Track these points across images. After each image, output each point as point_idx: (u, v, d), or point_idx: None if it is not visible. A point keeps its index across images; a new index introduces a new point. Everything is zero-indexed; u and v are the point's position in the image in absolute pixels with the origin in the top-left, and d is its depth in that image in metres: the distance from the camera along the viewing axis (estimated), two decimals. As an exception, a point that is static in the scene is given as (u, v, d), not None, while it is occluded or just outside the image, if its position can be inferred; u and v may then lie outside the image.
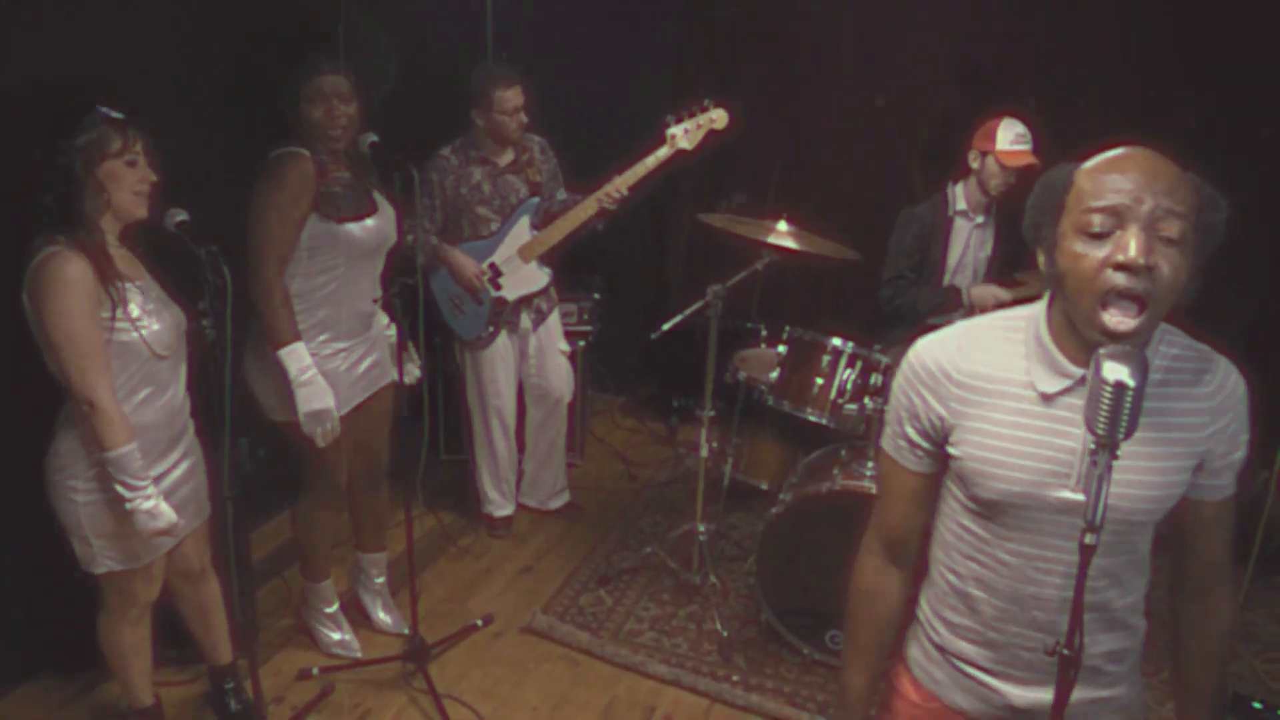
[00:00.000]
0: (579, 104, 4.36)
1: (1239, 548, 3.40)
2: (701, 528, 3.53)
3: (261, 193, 2.67)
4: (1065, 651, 1.27)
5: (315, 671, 3.04)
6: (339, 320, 2.83)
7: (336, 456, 2.92)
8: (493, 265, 3.59)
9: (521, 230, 3.59)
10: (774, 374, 3.48)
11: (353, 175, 2.81)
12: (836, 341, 3.38)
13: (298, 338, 2.72)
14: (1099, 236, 1.26)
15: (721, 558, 3.78)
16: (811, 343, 3.43)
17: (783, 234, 3.31)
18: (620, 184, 3.44)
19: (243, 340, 2.77)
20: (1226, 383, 1.41)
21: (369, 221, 2.81)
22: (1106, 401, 1.17)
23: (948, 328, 1.49)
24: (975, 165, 3.59)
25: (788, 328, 3.53)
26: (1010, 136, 3.47)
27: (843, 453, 3.27)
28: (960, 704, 1.55)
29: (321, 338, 2.82)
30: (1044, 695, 1.42)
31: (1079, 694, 1.45)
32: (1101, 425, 1.18)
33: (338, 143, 2.73)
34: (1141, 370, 1.17)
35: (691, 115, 3.41)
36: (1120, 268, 1.24)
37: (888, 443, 1.55)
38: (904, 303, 3.63)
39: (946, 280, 3.73)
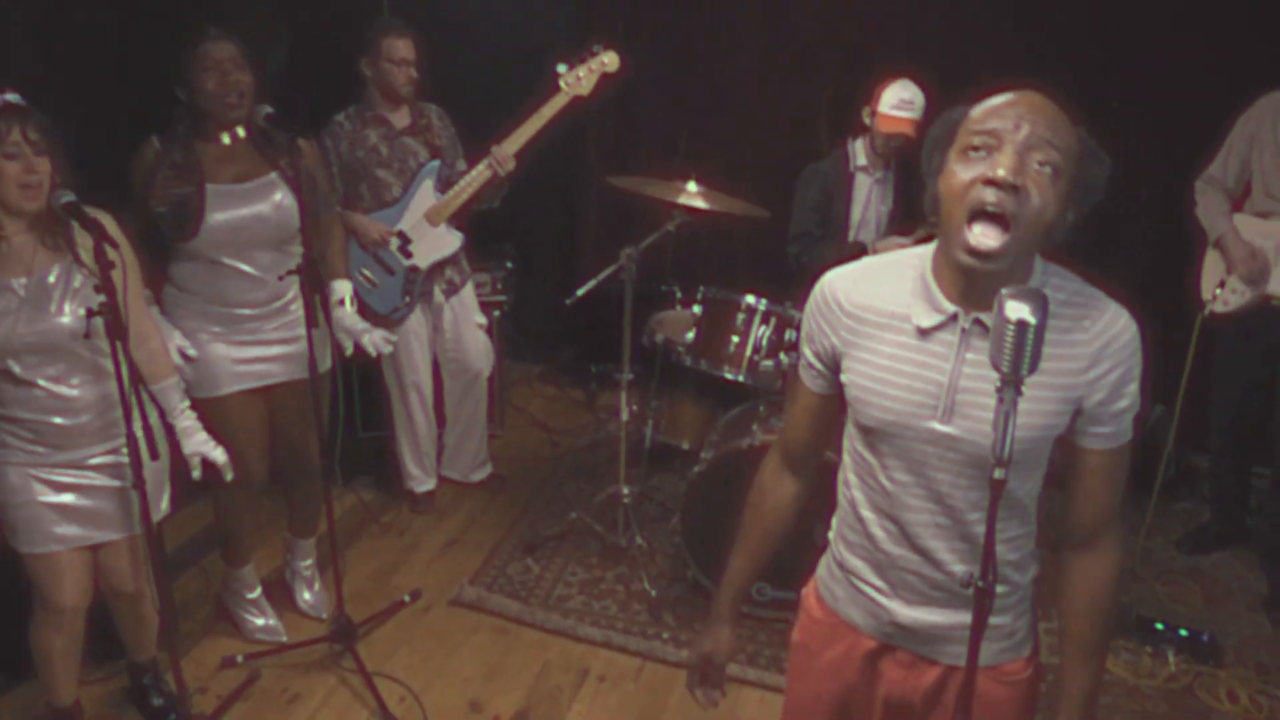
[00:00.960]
0: (482, 73, 4.29)
1: (1142, 476, 3.63)
2: (625, 490, 3.56)
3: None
4: (980, 584, 1.32)
5: (239, 659, 2.98)
6: (232, 310, 2.76)
7: (248, 445, 2.85)
8: (400, 233, 3.51)
9: (426, 194, 3.51)
10: (690, 334, 3.51)
11: (243, 159, 2.71)
12: (750, 299, 3.41)
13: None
14: (976, 158, 1.32)
15: (646, 519, 3.81)
16: (726, 301, 3.46)
17: (692, 194, 3.32)
18: (506, 148, 3.41)
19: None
20: (1112, 329, 1.39)
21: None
22: (1010, 339, 1.20)
23: (857, 261, 1.56)
24: (868, 123, 3.65)
25: (702, 288, 3.55)
26: (894, 100, 3.52)
27: (761, 409, 3.32)
28: (854, 619, 1.63)
29: (214, 329, 2.76)
30: (926, 615, 1.54)
31: (958, 618, 1.53)
32: (1006, 362, 1.21)
33: (235, 112, 2.62)
34: (1042, 308, 1.20)
35: (583, 60, 3.39)
36: (989, 183, 1.29)
37: (800, 361, 1.63)
38: (811, 259, 3.68)
39: (851, 235, 3.80)
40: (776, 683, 2.94)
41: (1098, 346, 1.39)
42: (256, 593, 3.14)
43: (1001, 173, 1.28)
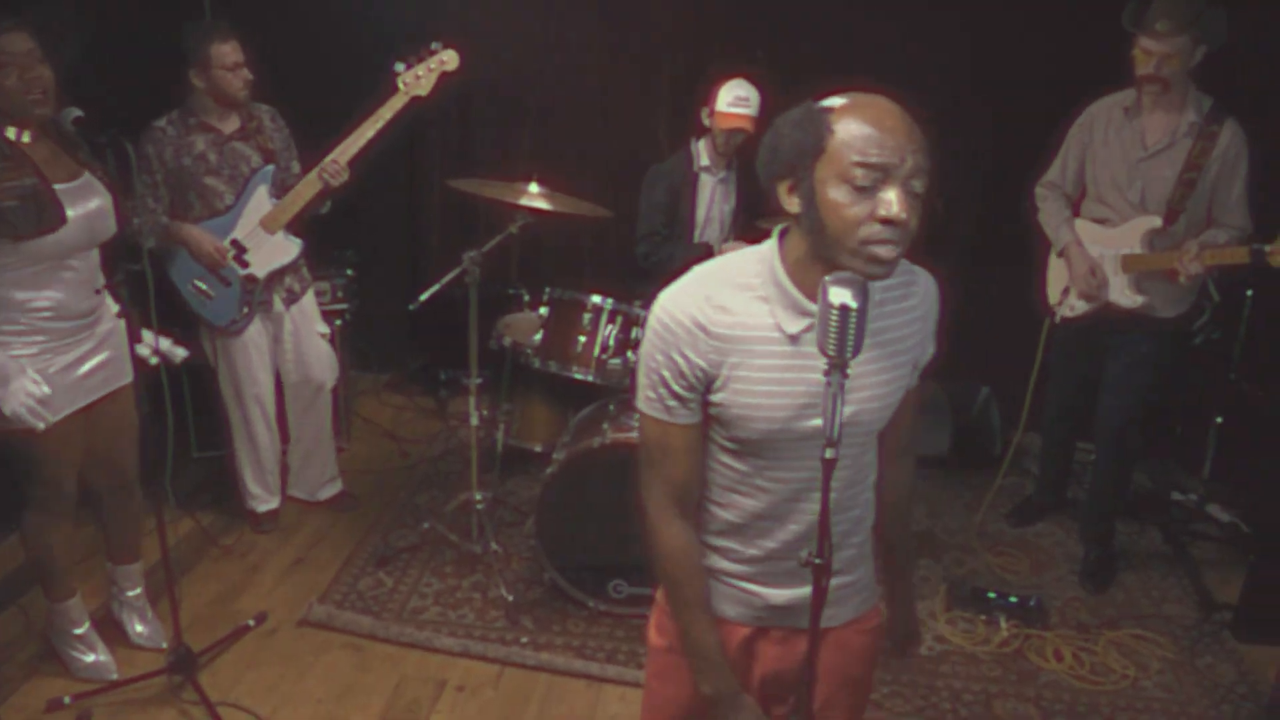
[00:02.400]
0: (316, 72, 4.15)
1: (978, 456, 3.84)
2: (478, 496, 3.52)
3: None
4: (818, 560, 1.38)
5: (67, 700, 2.77)
6: (48, 322, 2.56)
7: (61, 466, 2.66)
8: (235, 241, 3.36)
9: (261, 200, 3.38)
10: (538, 336, 3.50)
11: (52, 162, 2.52)
12: (596, 299, 3.44)
13: None
14: (863, 189, 1.34)
15: (501, 524, 3.78)
16: (572, 302, 3.47)
17: (534, 195, 3.31)
18: (340, 156, 3.32)
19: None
20: (926, 291, 1.58)
21: (70, 214, 2.50)
22: (834, 323, 1.26)
23: (685, 279, 1.51)
24: (707, 123, 3.74)
25: (548, 289, 3.55)
26: (729, 98, 3.64)
27: (610, 407, 3.34)
28: (726, 612, 1.64)
29: (36, 339, 2.54)
30: (796, 592, 1.60)
31: (835, 582, 1.57)
32: (831, 346, 1.27)
33: (41, 108, 2.44)
34: (862, 293, 1.27)
35: (421, 59, 3.32)
36: (885, 222, 1.33)
37: (653, 408, 1.53)
38: (659, 260, 3.74)
39: (697, 234, 3.88)
40: (635, 678, 2.96)
41: (922, 310, 1.57)
42: (84, 628, 2.94)
43: (896, 211, 1.32)
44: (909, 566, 1.87)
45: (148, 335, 2.73)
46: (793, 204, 1.42)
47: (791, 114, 1.43)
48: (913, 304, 1.55)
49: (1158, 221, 3.20)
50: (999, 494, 4.01)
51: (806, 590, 1.57)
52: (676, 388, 1.49)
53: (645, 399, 1.54)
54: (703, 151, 3.81)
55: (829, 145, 1.36)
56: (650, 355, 1.50)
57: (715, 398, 1.49)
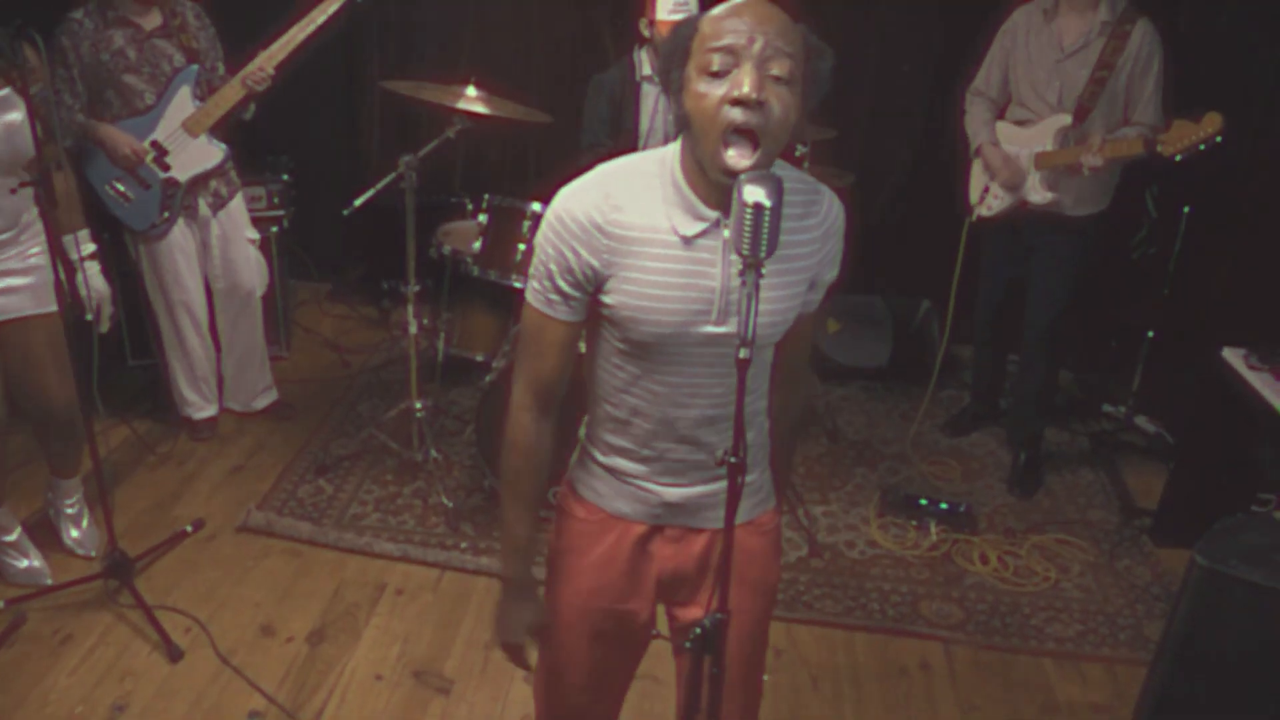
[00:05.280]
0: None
1: (918, 370, 3.90)
2: (418, 405, 3.51)
3: None
4: (733, 459, 1.39)
5: (1, 604, 2.77)
6: None
7: None
8: (155, 143, 3.25)
9: (184, 102, 3.26)
10: (477, 244, 3.45)
11: None
12: (536, 206, 3.39)
13: None
14: (718, 75, 1.34)
15: (442, 432, 3.78)
16: (511, 209, 3.42)
17: (472, 99, 3.23)
18: (266, 62, 3.20)
19: None
20: (831, 212, 1.54)
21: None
22: (749, 222, 1.25)
23: (587, 176, 1.50)
24: (647, 34, 3.65)
25: (487, 196, 3.49)
26: (669, 6, 3.54)
27: (551, 316, 3.32)
28: (622, 510, 1.67)
29: None
30: (690, 490, 1.63)
31: (719, 486, 1.63)
32: (746, 245, 1.26)
33: None
34: (777, 191, 1.26)
35: None
36: (736, 103, 1.33)
37: (536, 299, 1.54)
38: None
39: (640, 143, 3.81)
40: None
41: (824, 229, 1.54)
42: (15, 534, 2.92)
43: (746, 90, 1.31)
44: (787, 471, 1.88)
45: (99, 283, 2.72)
46: (674, 109, 1.42)
47: (676, 25, 1.44)
48: (814, 222, 1.53)
49: (1068, 119, 3.27)
50: (937, 405, 4.09)
51: (701, 489, 1.64)
52: (561, 283, 1.50)
53: (530, 289, 1.55)
54: (644, 61, 3.72)
55: (693, 44, 1.38)
56: (542, 247, 1.50)
57: (607, 299, 1.49)
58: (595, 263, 1.46)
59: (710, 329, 1.48)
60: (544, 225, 1.50)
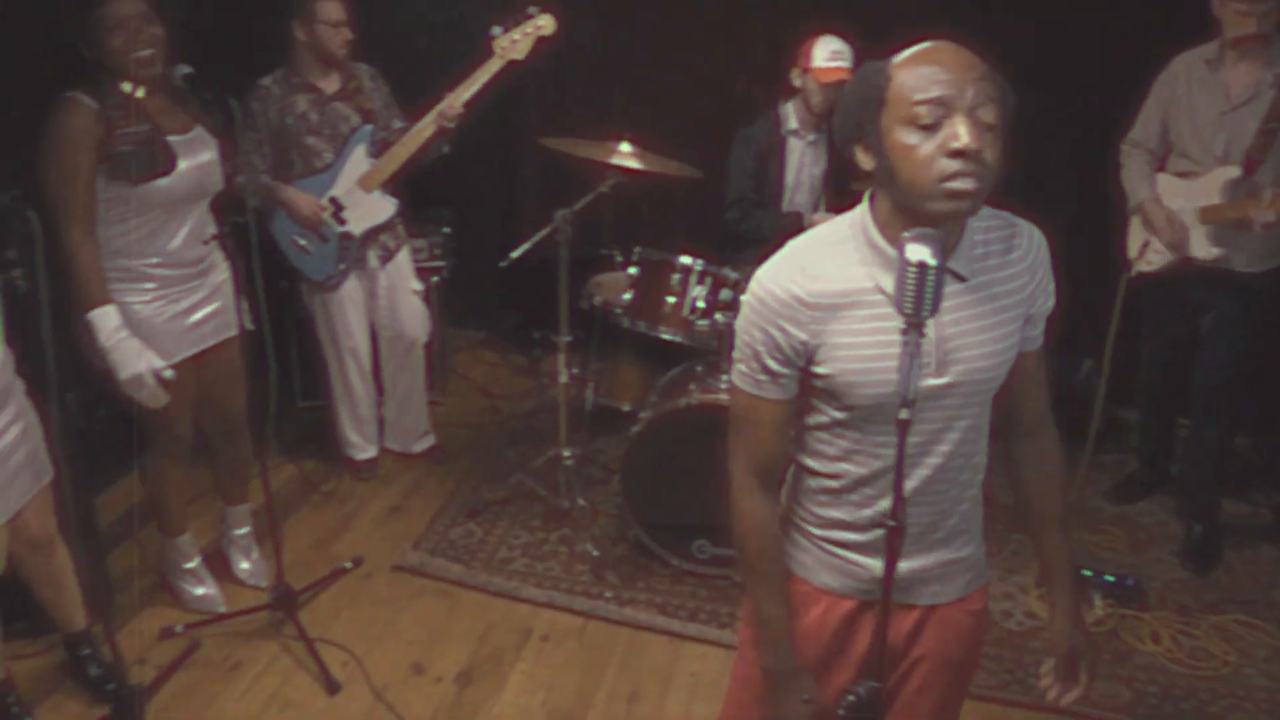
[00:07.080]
0: (414, 34, 4.22)
1: (1074, 430, 3.71)
2: (567, 452, 3.57)
3: (42, 148, 2.48)
4: (891, 523, 1.35)
5: (179, 629, 2.96)
6: (160, 270, 2.69)
7: (176, 410, 2.79)
8: (333, 200, 3.47)
9: (359, 160, 3.47)
10: (627, 296, 3.51)
11: (164, 116, 2.63)
12: (685, 259, 3.43)
13: (106, 300, 2.56)
14: (928, 127, 1.32)
15: (589, 481, 3.83)
16: (661, 262, 3.47)
17: (625, 155, 3.32)
18: (454, 100, 3.36)
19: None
20: (1033, 242, 1.52)
21: (181, 165, 2.62)
22: (911, 281, 1.23)
23: (779, 254, 1.49)
24: (798, 84, 3.67)
25: (637, 249, 3.56)
26: (825, 54, 3.55)
27: (698, 368, 3.35)
28: (829, 584, 1.61)
29: (147, 286, 2.67)
30: (905, 564, 1.53)
31: (941, 556, 1.57)
32: (909, 304, 1.25)
33: (148, 68, 2.53)
34: (940, 250, 1.24)
35: (518, 24, 3.33)
36: (955, 154, 1.30)
37: (745, 381, 1.53)
38: (749, 227, 3.71)
39: (786, 199, 3.82)
40: (717, 637, 2.99)
41: (1030, 260, 1.50)
42: (195, 562, 3.12)
43: (967, 141, 1.29)
44: (1061, 559, 1.67)
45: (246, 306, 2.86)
46: (867, 162, 1.40)
47: (859, 72, 1.43)
48: (1017, 256, 1.49)
49: (1237, 171, 3.10)
50: (1101, 470, 3.88)
51: (914, 564, 1.56)
52: (770, 362, 1.48)
53: (738, 372, 1.54)
54: (791, 114, 3.74)
55: (889, 94, 1.35)
56: (745, 329, 1.50)
57: (820, 369, 1.47)
58: (803, 335, 1.45)
59: (930, 382, 1.44)
60: (744, 309, 1.51)
